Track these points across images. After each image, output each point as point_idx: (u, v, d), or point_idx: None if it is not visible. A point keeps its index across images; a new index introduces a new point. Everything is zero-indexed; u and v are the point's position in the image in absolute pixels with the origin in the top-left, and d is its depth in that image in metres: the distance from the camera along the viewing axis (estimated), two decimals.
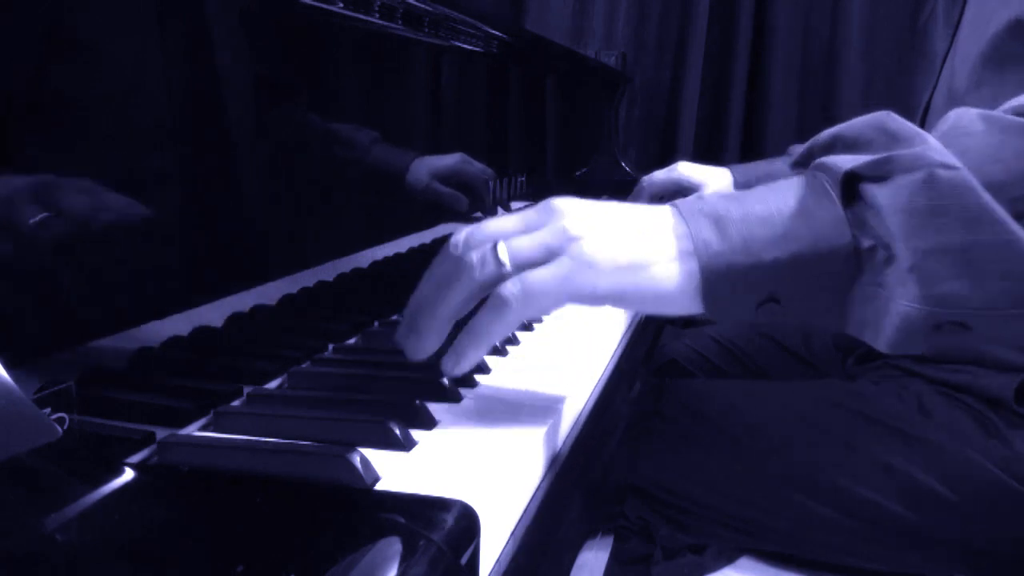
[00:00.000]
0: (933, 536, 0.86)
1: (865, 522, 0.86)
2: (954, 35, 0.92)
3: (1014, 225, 0.46)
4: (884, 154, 0.48)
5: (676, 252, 0.49)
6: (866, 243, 0.48)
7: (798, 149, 1.52)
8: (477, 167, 1.05)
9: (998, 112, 0.53)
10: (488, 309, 0.47)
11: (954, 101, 0.89)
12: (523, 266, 0.48)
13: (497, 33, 1.05)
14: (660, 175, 1.37)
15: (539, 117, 1.40)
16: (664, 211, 0.51)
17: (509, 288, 0.47)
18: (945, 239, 0.46)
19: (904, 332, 0.47)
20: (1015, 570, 0.84)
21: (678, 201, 0.51)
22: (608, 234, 0.49)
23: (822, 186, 0.49)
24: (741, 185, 1.39)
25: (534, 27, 1.70)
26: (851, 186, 0.49)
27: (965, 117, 0.53)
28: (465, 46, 0.99)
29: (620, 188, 1.64)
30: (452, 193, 0.99)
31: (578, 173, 1.64)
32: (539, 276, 0.47)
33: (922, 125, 0.95)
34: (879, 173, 0.48)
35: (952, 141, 0.50)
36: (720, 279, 0.48)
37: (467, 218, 1.04)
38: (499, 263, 0.47)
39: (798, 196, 0.49)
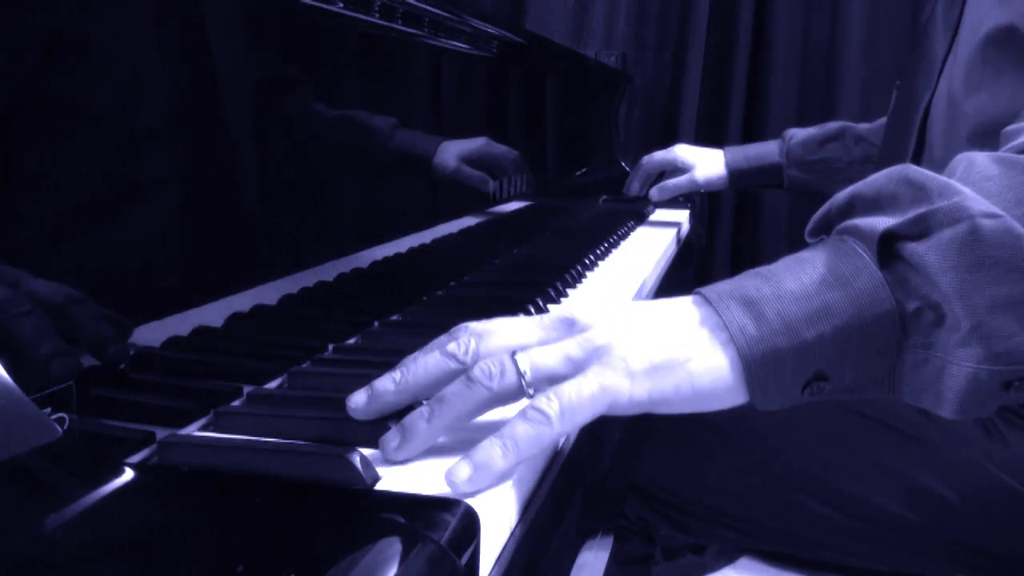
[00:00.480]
0: (933, 536, 0.86)
1: (865, 522, 0.86)
2: (953, 37, 0.92)
3: None
4: (921, 209, 0.46)
5: (712, 344, 0.46)
6: (912, 305, 0.45)
7: (795, 133, 1.51)
8: (502, 148, 1.08)
9: (1007, 153, 0.51)
10: (526, 423, 0.43)
11: (953, 104, 0.89)
12: (544, 379, 0.44)
13: (497, 33, 1.05)
14: (659, 155, 1.46)
15: (539, 117, 1.40)
16: (687, 302, 0.49)
17: (547, 401, 0.43)
18: (1003, 292, 0.44)
19: (972, 396, 0.45)
20: (1015, 570, 0.84)
21: (701, 289, 0.49)
22: (636, 337, 0.46)
23: (854, 250, 0.47)
24: (732, 167, 1.41)
25: (534, 27, 1.70)
26: (887, 247, 0.46)
27: (978, 162, 0.50)
28: (465, 46, 0.99)
29: (620, 187, 1.64)
30: (480, 175, 1.01)
31: (578, 173, 1.64)
32: (574, 391, 0.43)
33: (922, 128, 0.95)
34: (918, 230, 0.46)
35: (974, 188, 0.48)
36: (763, 365, 0.46)
37: (478, 208, 1.05)
38: (519, 374, 0.44)
39: (829, 265, 0.46)
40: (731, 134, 2.09)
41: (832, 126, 1.37)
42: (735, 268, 2.17)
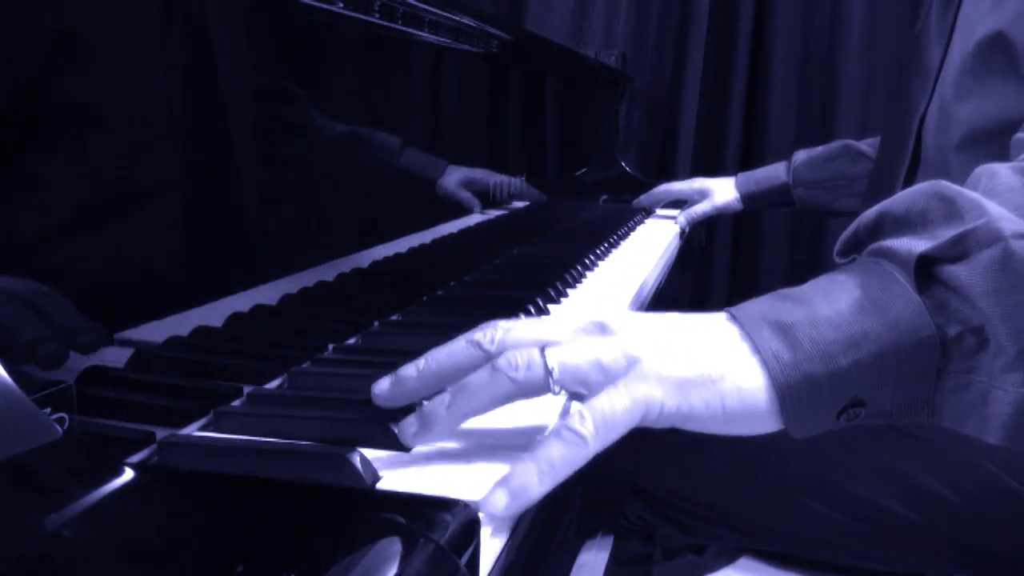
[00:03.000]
0: (933, 536, 0.85)
1: (865, 522, 0.86)
2: (947, 45, 0.92)
3: None
4: (958, 230, 0.45)
5: (745, 367, 0.45)
6: (953, 330, 0.44)
7: (800, 156, 1.54)
8: (502, 177, 1.20)
9: None
10: (562, 444, 0.41)
11: (944, 111, 0.89)
12: (572, 381, 0.44)
13: (497, 33, 1.05)
14: (677, 185, 1.57)
15: (539, 117, 1.40)
16: (720, 320, 0.47)
17: (580, 424, 0.41)
18: None
19: (1020, 421, 0.44)
20: (1015, 570, 0.84)
21: (733, 309, 0.48)
22: (669, 349, 0.45)
23: (889, 274, 0.46)
24: (743, 191, 1.49)
25: (534, 27, 1.70)
26: (924, 270, 0.45)
27: (1000, 173, 0.50)
28: (465, 46, 0.99)
29: (620, 187, 1.64)
30: (470, 198, 1.10)
31: (578, 173, 1.64)
32: (607, 406, 0.42)
33: (918, 135, 0.95)
34: (956, 253, 0.45)
35: (999, 200, 0.47)
36: (797, 392, 0.44)
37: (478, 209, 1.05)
38: (547, 370, 0.43)
39: (864, 289, 0.45)
40: (731, 134, 2.09)
41: (835, 145, 1.44)
42: (735, 268, 2.18)
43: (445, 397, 0.44)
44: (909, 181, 0.96)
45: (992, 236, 0.44)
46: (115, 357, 0.51)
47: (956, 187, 0.47)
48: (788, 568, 0.93)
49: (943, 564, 0.87)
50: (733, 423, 0.45)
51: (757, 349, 0.45)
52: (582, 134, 1.67)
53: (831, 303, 0.45)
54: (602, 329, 0.46)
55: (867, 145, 1.38)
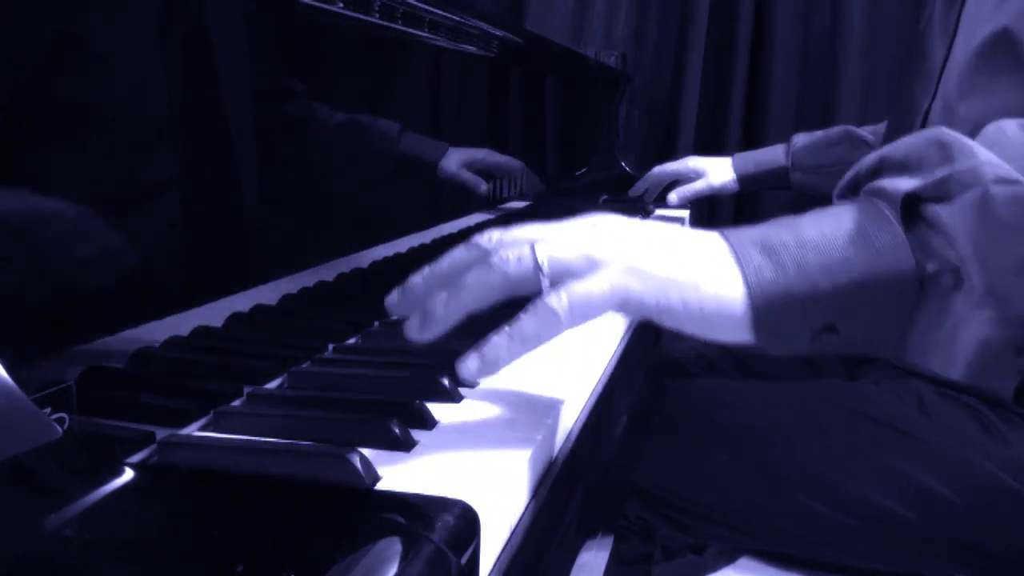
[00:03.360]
0: (933, 536, 0.86)
1: (865, 522, 0.86)
2: (951, 43, 0.92)
3: None
4: (944, 172, 0.46)
5: (726, 274, 0.47)
6: (931, 267, 0.46)
7: (800, 139, 1.54)
8: (503, 158, 1.17)
9: None
10: (535, 318, 0.45)
11: (948, 109, 0.89)
12: (561, 272, 0.46)
13: (497, 33, 1.05)
14: (670, 165, 1.53)
15: (539, 117, 1.40)
16: (713, 235, 0.49)
17: (557, 299, 0.45)
18: (1020, 255, 0.44)
19: (983, 359, 0.45)
20: (1015, 570, 0.84)
21: (725, 230, 0.50)
22: (654, 247, 0.47)
23: (879, 211, 0.47)
24: (740, 172, 1.46)
25: (534, 27, 1.70)
26: (910, 209, 0.47)
27: (1007, 128, 0.51)
28: (465, 46, 0.99)
29: (620, 187, 1.64)
30: (475, 179, 1.08)
31: (578, 173, 1.64)
32: (586, 286, 0.45)
33: None
34: (940, 193, 0.46)
35: (1004, 153, 0.48)
36: (773, 308, 0.46)
37: (478, 208, 1.05)
38: (537, 264, 0.46)
39: (855, 221, 0.47)
40: (731, 134, 2.09)
41: (835, 131, 1.40)
42: None
43: (443, 295, 0.46)
44: None
45: (974, 179, 0.46)
46: (115, 357, 0.51)
47: (955, 134, 0.49)
48: (788, 568, 0.93)
49: (943, 564, 0.87)
50: (707, 326, 0.47)
51: (741, 262, 0.47)
52: (582, 134, 1.67)
53: (820, 230, 0.47)
54: (593, 224, 0.48)
55: (868, 132, 1.37)
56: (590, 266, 0.46)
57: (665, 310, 0.47)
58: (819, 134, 1.41)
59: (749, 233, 0.48)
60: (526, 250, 0.46)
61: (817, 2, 2.05)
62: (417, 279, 0.48)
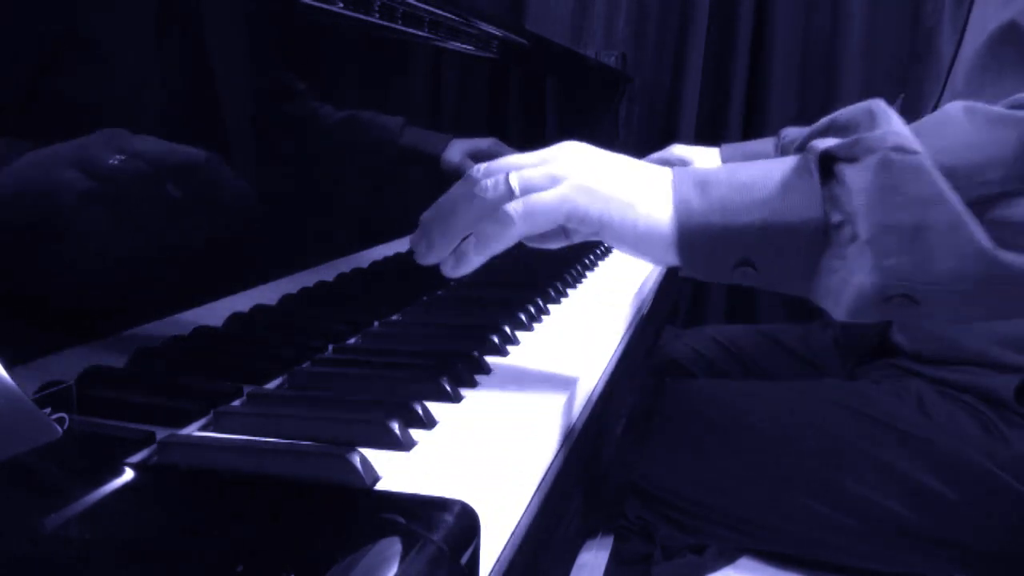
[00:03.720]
0: (933, 536, 0.86)
1: (865, 522, 0.86)
2: (960, 38, 0.92)
3: (963, 209, 0.49)
4: (854, 136, 0.52)
5: (661, 201, 0.54)
6: (836, 218, 0.51)
7: (790, 132, 1.55)
8: (510, 149, 1.13)
9: (983, 104, 0.56)
10: (493, 221, 0.53)
11: None
12: (528, 190, 0.53)
13: (497, 33, 1.05)
14: (655, 155, 1.50)
15: (539, 117, 1.40)
16: (661, 170, 0.56)
17: (513, 205, 0.53)
18: (898, 217, 0.49)
19: (857, 302, 0.51)
20: (1015, 570, 0.84)
21: (675, 168, 0.56)
22: (607, 171, 0.55)
23: (807, 165, 0.53)
24: (728, 161, 1.45)
25: (534, 27, 1.69)
26: (831, 167, 0.52)
27: (951, 108, 0.56)
28: (465, 46, 0.99)
29: None
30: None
31: None
32: (541, 196, 0.53)
33: None
34: (850, 154, 0.52)
35: (932, 128, 0.54)
36: (694, 236, 0.53)
37: None
38: (509, 188, 0.53)
39: (784, 171, 0.53)
40: (731, 134, 2.08)
41: (822, 122, 1.39)
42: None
43: (438, 221, 0.55)
44: None
45: (879, 145, 0.51)
46: (115, 357, 0.51)
47: (886, 106, 0.55)
48: (788, 568, 0.93)
49: (943, 564, 0.87)
50: (641, 244, 0.54)
51: (676, 191, 0.54)
52: (582, 134, 1.67)
53: (751, 174, 0.54)
54: (561, 149, 0.56)
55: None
56: (551, 183, 0.54)
57: (607, 224, 0.54)
58: (808, 129, 1.41)
59: (695, 170, 0.55)
60: (502, 177, 0.54)
61: (817, 2, 2.05)
62: (427, 216, 0.56)
